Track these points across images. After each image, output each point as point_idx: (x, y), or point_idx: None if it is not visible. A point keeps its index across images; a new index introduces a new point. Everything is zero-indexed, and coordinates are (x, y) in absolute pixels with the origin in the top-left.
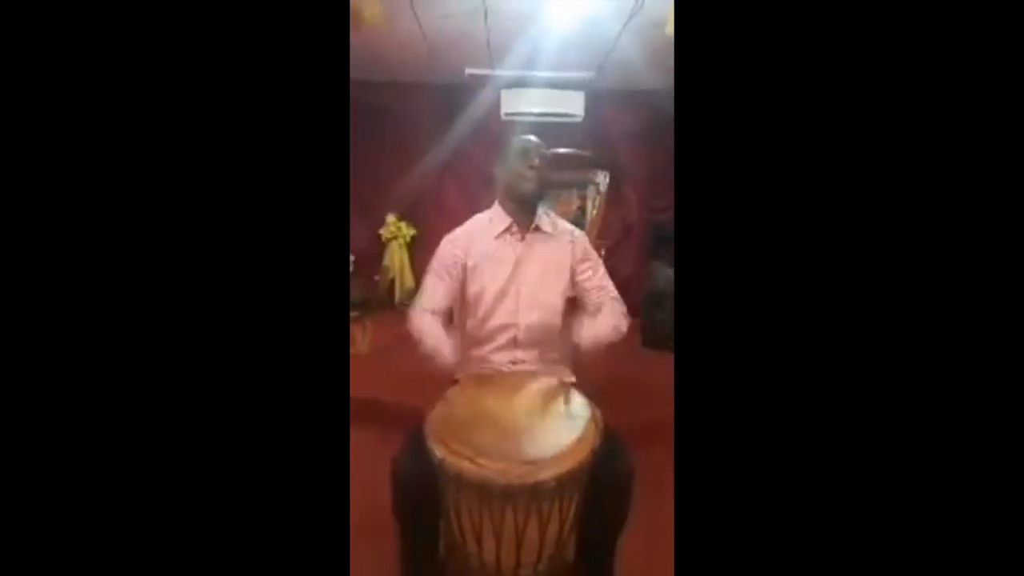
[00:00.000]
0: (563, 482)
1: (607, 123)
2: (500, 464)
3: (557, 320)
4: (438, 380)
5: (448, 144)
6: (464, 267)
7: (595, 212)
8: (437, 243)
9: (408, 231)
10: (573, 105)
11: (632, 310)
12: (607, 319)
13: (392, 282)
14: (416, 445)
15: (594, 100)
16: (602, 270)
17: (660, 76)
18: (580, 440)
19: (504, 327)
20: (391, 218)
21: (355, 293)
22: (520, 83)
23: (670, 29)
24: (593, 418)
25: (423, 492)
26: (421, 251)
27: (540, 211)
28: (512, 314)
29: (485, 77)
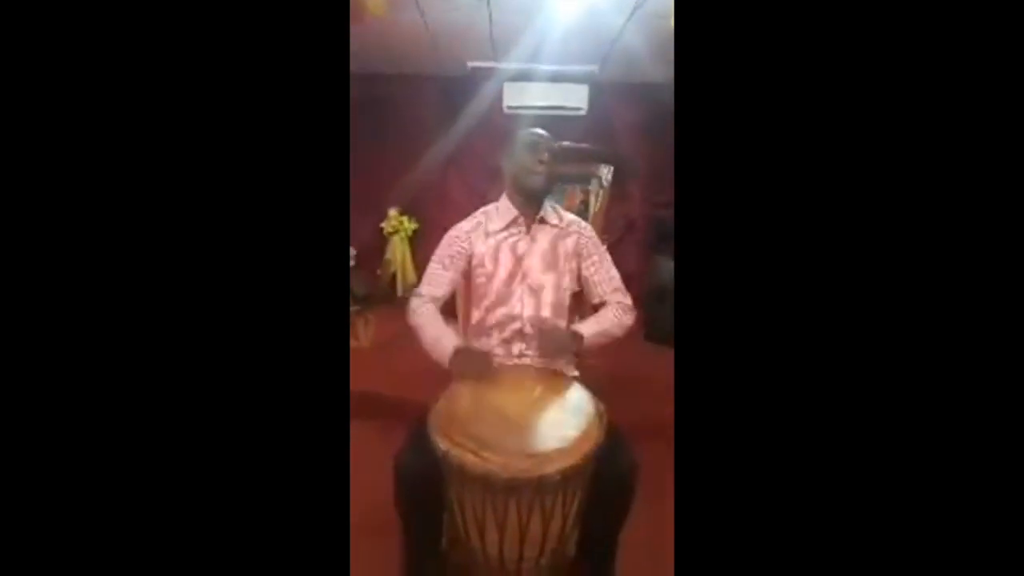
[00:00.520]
0: (567, 476)
1: (611, 116)
2: (503, 458)
3: (562, 313)
4: (441, 374)
5: (451, 137)
6: (469, 258)
7: (598, 206)
8: (439, 237)
9: (410, 225)
10: (577, 98)
11: (634, 305)
12: (612, 314)
13: (394, 276)
14: (419, 438)
15: (598, 93)
16: (608, 263)
17: (664, 69)
18: (584, 434)
19: (509, 319)
20: (393, 212)
21: (357, 287)
22: (523, 76)
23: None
24: (597, 412)
25: (426, 485)
26: (423, 245)
27: (547, 204)
28: (517, 306)
29: (488, 70)
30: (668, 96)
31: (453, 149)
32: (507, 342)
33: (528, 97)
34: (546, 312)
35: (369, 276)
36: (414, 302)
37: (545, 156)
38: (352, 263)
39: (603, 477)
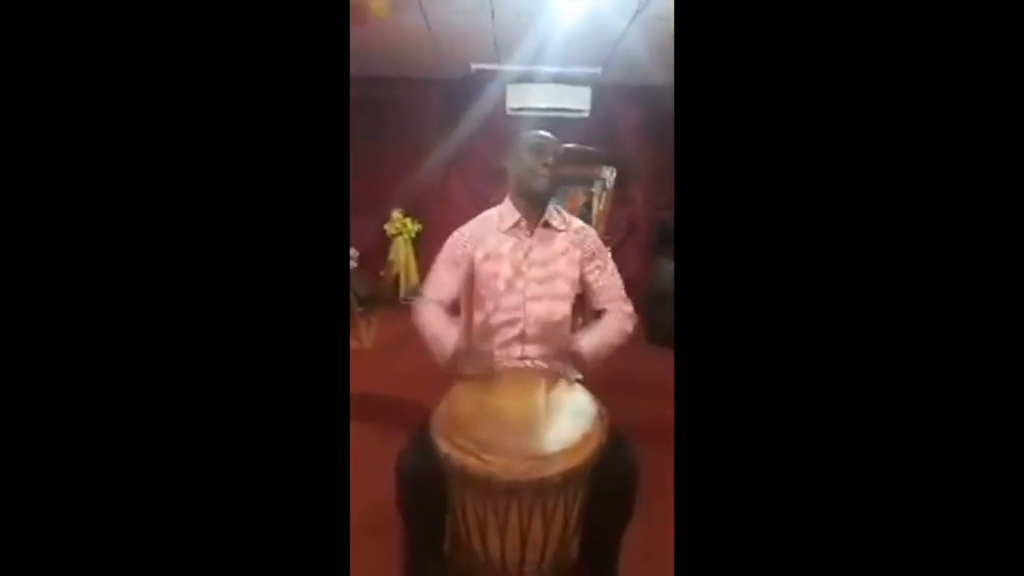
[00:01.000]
0: (568, 478)
1: (613, 118)
2: (505, 460)
3: (565, 316)
4: (443, 376)
5: (453, 139)
6: (472, 261)
7: (601, 208)
8: (442, 238)
9: (413, 227)
10: (579, 100)
11: (636, 308)
12: (611, 323)
13: (397, 277)
14: (421, 440)
15: (600, 95)
16: (611, 268)
17: (666, 71)
18: (586, 436)
19: (511, 321)
20: (396, 213)
21: (360, 288)
22: (526, 78)
23: None
24: (599, 414)
25: (428, 488)
26: (426, 247)
27: (550, 207)
28: (519, 308)
29: (491, 72)
30: (670, 98)
31: (456, 151)
32: (509, 344)
33: (531, 99)
34: (548, 314)
35: (372, 277)
36: (419, 303)
37: (550, 159)
38: (355, 265)
39: (605, 479)
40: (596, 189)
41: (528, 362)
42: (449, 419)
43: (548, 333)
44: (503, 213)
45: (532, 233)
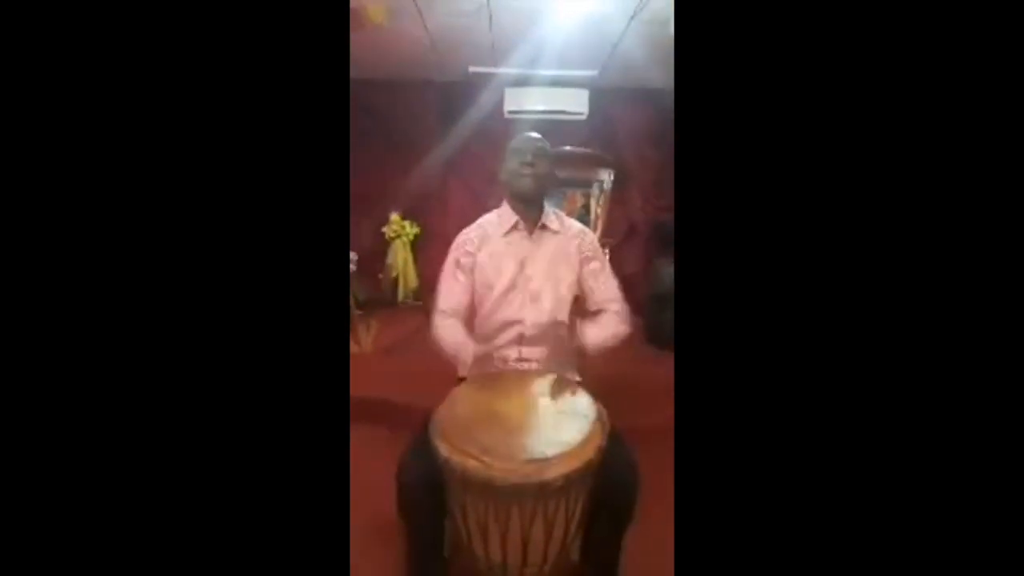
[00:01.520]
0: (569, 481)
1: (611, 121)
2: (506, 463)
3: (563, 318)
4: (443, 378)
5: (451, 142)
6: (475, 264)
7: (599, 211)
8: (440, 241)
9: (411, 229)
10: (577, 103)
11: (636, 309)
12: (609, 324)
13: (396, 280)
14: (421, 444)
15: (598, 98)
16: (608, 271)
17: (664, 74)
18: (586, 439)
19: (510, 323)
20: (394, 216)
21: (359, 291)
22: (524, 81)
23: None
24: (599, 417)
25: (428, 491)
26: (424, 249)
27: (548, 209)
28: (518, 311)
29: (488, 75)
30: (668, 101)
31: (454, 154)
32: (509, 345)
33: (529, 102)
34: (547, 317)
35: (371, 281)
36: (436, 318)
37: (529, 158)
38: (353, 268)
39: (605, 481)
40: (594, 191)
41: (527, 364)
42: (449, 422)
43: (547, 335)
44: (501, 216)
45: (530, 235)
